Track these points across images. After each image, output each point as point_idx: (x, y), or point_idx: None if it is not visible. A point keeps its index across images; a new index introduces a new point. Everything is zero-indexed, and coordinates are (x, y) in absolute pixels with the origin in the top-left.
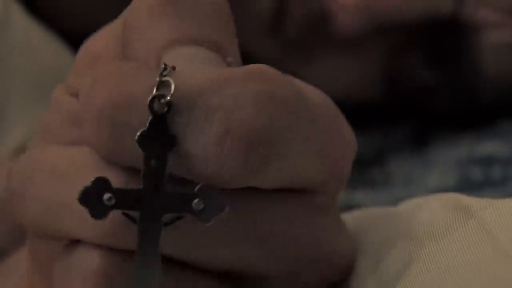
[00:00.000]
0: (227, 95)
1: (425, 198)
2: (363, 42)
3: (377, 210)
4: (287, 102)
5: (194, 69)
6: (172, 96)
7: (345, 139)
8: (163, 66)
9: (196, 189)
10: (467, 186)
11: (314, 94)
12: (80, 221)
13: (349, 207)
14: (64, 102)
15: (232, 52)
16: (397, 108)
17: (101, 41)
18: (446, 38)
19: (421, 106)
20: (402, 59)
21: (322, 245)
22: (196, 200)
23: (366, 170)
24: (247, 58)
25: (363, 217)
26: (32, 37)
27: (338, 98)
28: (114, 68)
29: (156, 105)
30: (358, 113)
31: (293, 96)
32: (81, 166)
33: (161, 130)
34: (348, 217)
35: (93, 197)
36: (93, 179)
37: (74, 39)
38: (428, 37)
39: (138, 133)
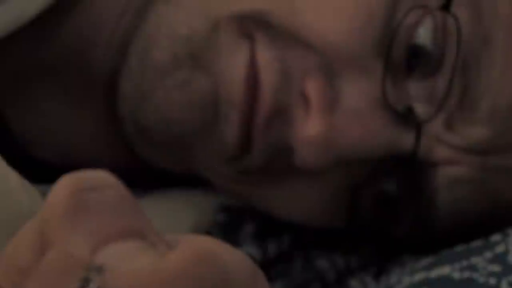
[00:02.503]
0: None
1: None
2: (324, 173)
3: None
4: None
5: (122, 266)
6: None
7: None
8: (89, 266)
9: None
10: None
11: (235, 261)
12: None
13: None
14: None
15: (152, 232)
16: (359, 233)
17: (21, 253)
18: (404, 173)
19: (381, 232)
20: (362, 190)
21: None
22: None
23: None
24: (211, 183)
25: None
26: (8, 184)
27: (301, 221)
28: (46, 265)
29: None
30: (321, 237)
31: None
32: None
33: None
34: None
35: None
36: None
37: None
38: (387, 171)
39: None
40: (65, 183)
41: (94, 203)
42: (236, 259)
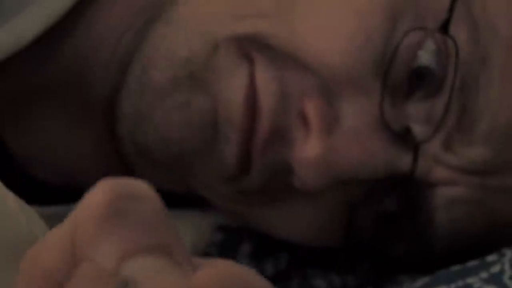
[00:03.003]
0: None
1: None
2: (323, 192)
3: None
4: None
5: (150, 281)
6: None
7: None
8: (123, 280)
9: None
10: None
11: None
12: None
13: None
14: None
15: (180, 251)
16: (356, 252)
17: (49, 253)
18: (402, 192)
19: (379, 251)
20: (360, 209)
21: None
22: None
23: None
24: (208, 203)
25: None
26: (6, 206)
27: (299, 240)
28: (77, 279)
29: None
30: (318, 256)
31: None
32: None
33: None
34: None
35: None
36: None
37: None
38: (385, 190)
39: None
40: (105, 188)
41: (131, 212)
42: (262, 284)
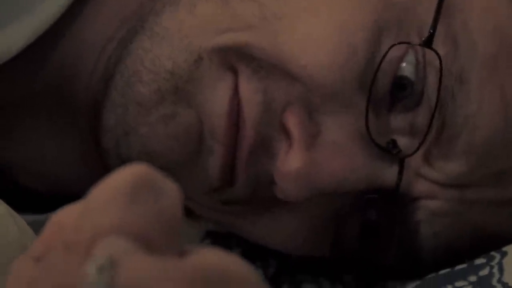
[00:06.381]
0: None
1: None
2: (308, 203)
3: None
4: None
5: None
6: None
7: None
8: (100, 256)
9: None
10: None
11: (240, 272)
12: None
13: None
14: (22, 268)
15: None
16: (344, 259)
17: (68, 212)
18: (386, 205)
19: (366, 260)
20: (345, 219)
21: None
22: None
23: None
24: (191, 213)
25: None
26: None
27: (285, 250)
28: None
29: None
30: (307, 261)
31: None
32: None
33: None
34: None
35: None
36: None
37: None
38: (370, 202)
39: None
40: (133, 170)
41: (142, 201)
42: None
